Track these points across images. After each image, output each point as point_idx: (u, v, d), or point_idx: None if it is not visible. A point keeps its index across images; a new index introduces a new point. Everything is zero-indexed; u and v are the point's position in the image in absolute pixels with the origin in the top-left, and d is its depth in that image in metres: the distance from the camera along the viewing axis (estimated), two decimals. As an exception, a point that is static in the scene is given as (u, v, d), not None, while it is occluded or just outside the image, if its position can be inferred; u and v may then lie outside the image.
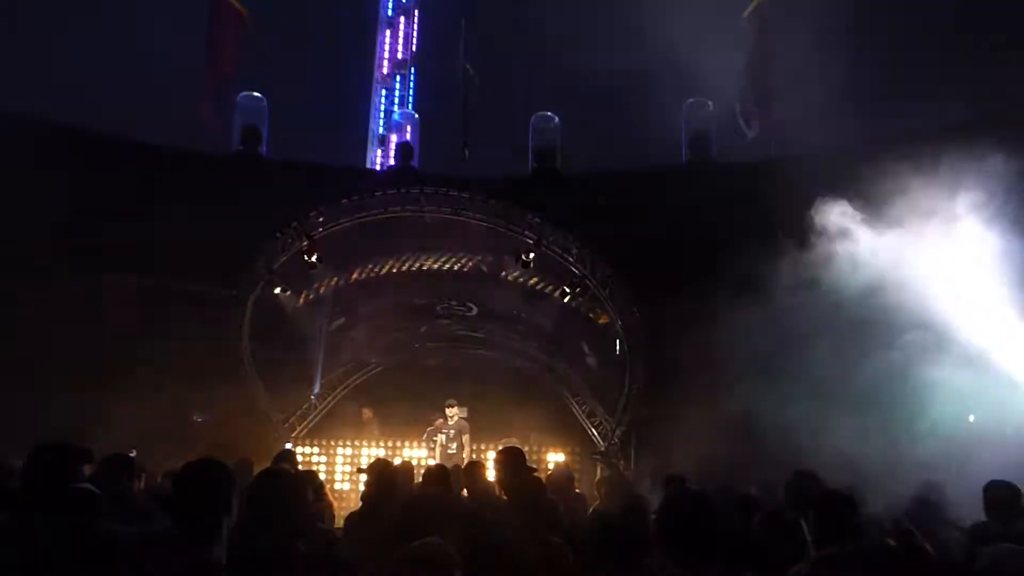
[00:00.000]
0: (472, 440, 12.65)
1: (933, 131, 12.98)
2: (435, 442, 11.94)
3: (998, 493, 5.11)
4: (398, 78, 25.61)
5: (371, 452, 12.52)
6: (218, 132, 14.96)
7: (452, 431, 11.92)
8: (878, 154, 13.21)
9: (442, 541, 2.52)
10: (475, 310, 14.54)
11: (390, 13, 26.16)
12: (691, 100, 15.67)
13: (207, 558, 2.70)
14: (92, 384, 9.79)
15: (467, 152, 14.77)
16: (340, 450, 12.48)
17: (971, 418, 10.91)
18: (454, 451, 11.65)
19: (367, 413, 13.59)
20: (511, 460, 5.26)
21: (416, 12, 26.24)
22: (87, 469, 4.17)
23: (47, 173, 11.73)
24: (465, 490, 6.01)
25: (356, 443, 12.64)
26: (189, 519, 2.96)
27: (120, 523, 3.65)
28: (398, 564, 2.42)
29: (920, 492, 6.56)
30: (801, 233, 12.82)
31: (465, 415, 13.53)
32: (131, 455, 6.17)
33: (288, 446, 11.81)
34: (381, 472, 5.42)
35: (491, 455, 12.20)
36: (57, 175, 11.68)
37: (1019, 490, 5.14)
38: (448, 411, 11.99)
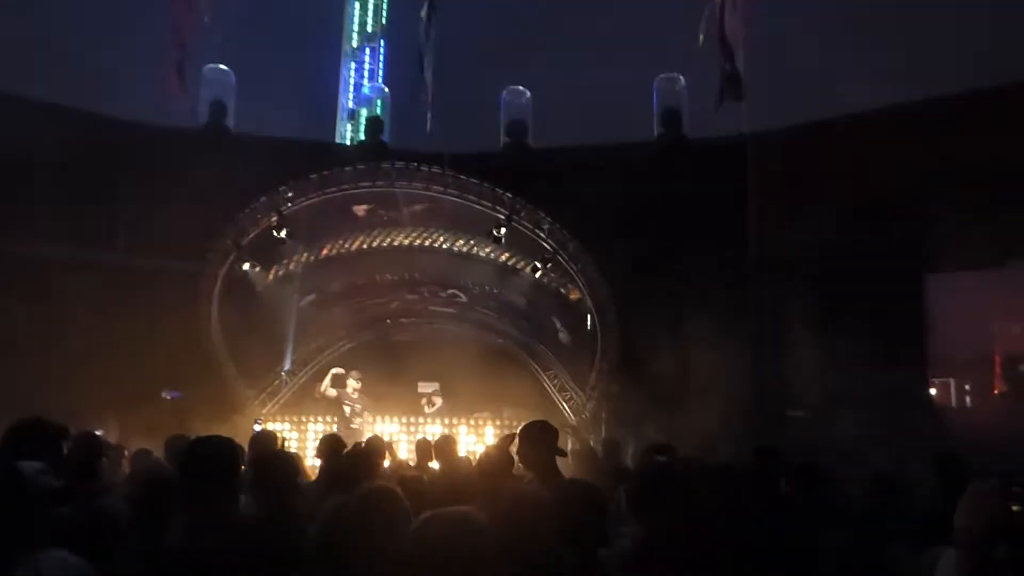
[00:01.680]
0: (445, 414, 12.71)
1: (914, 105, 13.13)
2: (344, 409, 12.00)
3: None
4: (367, 51, 25.25)
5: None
6: (181, 105, 14.63)
7: (358, 406, 11.92)
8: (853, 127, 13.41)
9: (471, 508, 2.31)
10: (449, 289, 14.55)
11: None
12: (662, 75, 15.67)
13: (157, 541, 2.66)
14: (57, 361, 9.65)
15: (430, 119, 14.63)
16: (312, 426, 12.44)
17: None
18: (356, 427, 11.64)
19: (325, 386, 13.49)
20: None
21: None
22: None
23: (5, 147, 11.50)
24: (437, 463, 6.06)
25: (328, 419, 12.61)
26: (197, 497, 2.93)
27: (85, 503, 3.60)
28: (424, 527, 2.18)
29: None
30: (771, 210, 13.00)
31: (437, 389, 13.55)
32: (97, 433, 6.11)
33: (256, 425, 11.71)
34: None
35: (463, 430, 12.27)
36: (15, 148, 11.44)
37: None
38: (351, 382, 11.98)
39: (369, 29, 25.30)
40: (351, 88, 24.91)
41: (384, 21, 25.41)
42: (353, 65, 25.43)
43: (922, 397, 12.75)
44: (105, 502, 4.09)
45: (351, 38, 25.14)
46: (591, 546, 2.83)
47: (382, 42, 25.78)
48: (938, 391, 13.47)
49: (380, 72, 25.19)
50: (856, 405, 11.05)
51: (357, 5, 25.34)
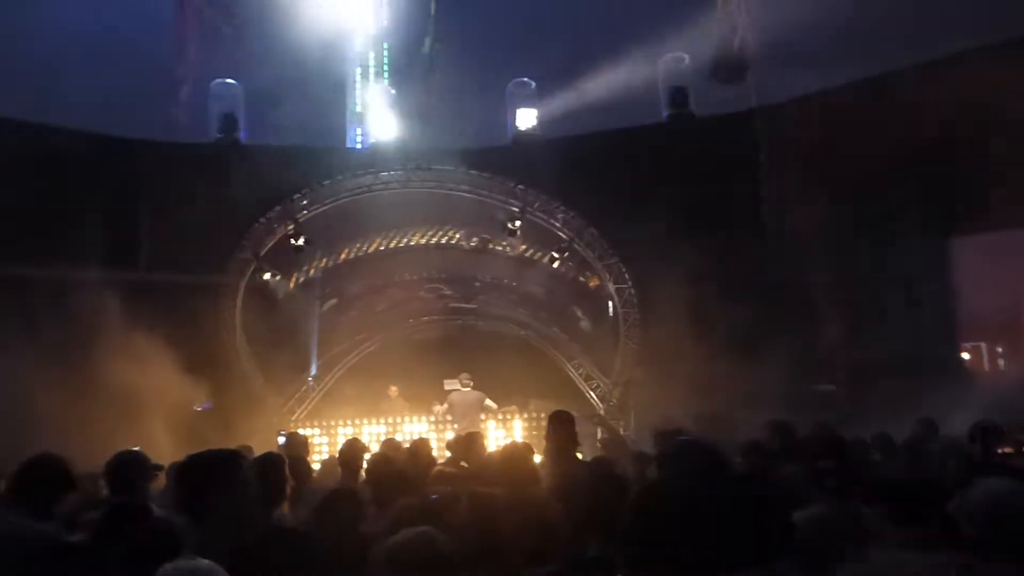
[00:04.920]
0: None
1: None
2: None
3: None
4: (372, 55, 25.27)
5: (372, 430, 12.56)
6: (189, 121, 14.72)
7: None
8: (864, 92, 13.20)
9: (433, 529, 2.41)
10: (468, 284, 14.58)
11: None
12: (667, 55, 15.55)
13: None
14: (86, 380, 9.77)
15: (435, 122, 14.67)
16: (341, 430, 12.53)
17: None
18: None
19: (393, 391, 13.39)
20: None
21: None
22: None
23: (27, 172, 11.67)
24: (464, 461, 6.07)
25: (356, 422, 12.68)
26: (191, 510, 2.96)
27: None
28: (387, 558, 2.31)
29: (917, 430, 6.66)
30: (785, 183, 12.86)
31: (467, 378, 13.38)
32: (135, 449, 6.16)
33: (280, 436, 11.48)
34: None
35: (491, 424, 12.28)
36: (35, 173, 11.62)
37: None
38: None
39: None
40: (358, 91, 24.93)
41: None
42: (359, 69, 25.44)
43: (953, 363, 12.57)
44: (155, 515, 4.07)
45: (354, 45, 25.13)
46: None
47: (385, 44, 25.70)
48: (970, 356, 13.27)
49: (385, 73, 25.18)
50: (885, 375, 10.92)
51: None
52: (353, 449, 5.81)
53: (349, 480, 5.51)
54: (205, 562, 2.18)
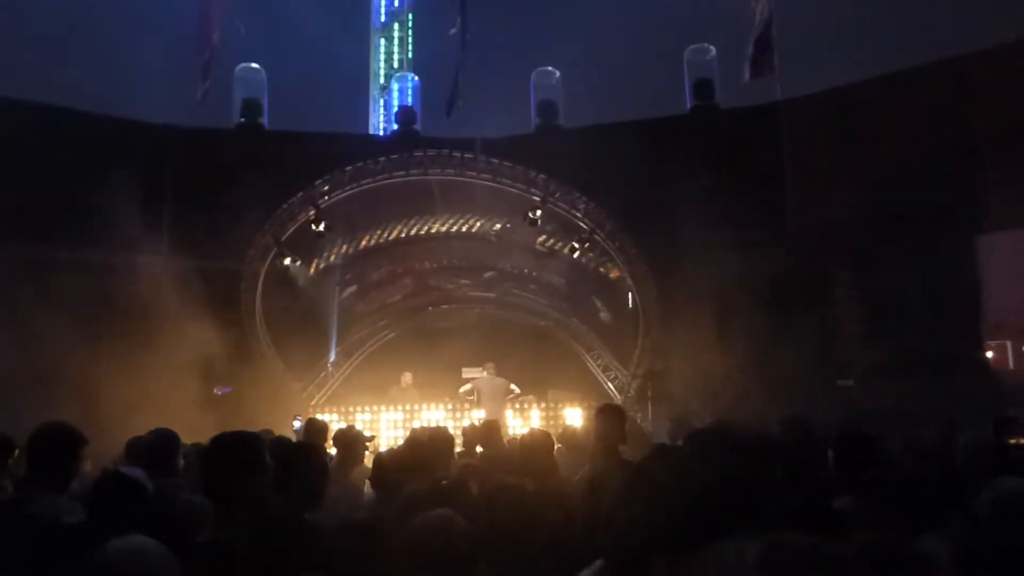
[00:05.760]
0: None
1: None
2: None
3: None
4: (396, 40, 25.31)
5: (390, 417, 12.63)
6: (213, 106, 14.79)
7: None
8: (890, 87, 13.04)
9: (452, 512, 2.44)
10: (488, 273, 14.59)
11: (383, 19, 25.92)
12: (692, 46, 15.38)
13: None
14: (108, 363, 9.89)
15: (456, 107, 14.58)
16: (359, 416, 12.60)
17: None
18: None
19: (407, 378, 13.38)
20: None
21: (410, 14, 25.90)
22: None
23: (51, 156, 11.79)
24: (480, 448, 6.09)
25: (375, 409, 12.75)
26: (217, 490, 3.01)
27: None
28: (408, 541, 2.37)
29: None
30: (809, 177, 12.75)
31: (491, 368, 13.41)
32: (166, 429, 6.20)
33: (296, 420, 11.46)
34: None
35: (508, 413, 12.29)
36: (59, 157, 11.74)
37: None
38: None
39: (396, 59, 25.41)
40: (381, 80, 25.01)
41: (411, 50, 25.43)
42: (382, 57, 25.52)
43: (977, 361, 12.41)
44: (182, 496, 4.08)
45: (379, 71, 25.17)
46: None
47: (411, 29, 25.77)
48: (995, 354, 13.11)
49: (409, 54, 25.22)
50: (907, 372, 10.81)
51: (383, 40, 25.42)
52: (347, 436, 5.65)
53: (345, 468, 5.39)
54: (151, 543, 2.18)
